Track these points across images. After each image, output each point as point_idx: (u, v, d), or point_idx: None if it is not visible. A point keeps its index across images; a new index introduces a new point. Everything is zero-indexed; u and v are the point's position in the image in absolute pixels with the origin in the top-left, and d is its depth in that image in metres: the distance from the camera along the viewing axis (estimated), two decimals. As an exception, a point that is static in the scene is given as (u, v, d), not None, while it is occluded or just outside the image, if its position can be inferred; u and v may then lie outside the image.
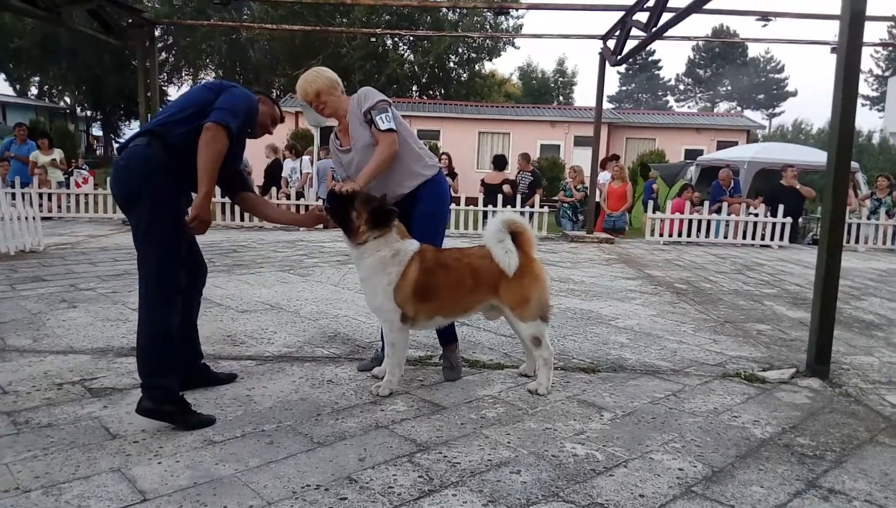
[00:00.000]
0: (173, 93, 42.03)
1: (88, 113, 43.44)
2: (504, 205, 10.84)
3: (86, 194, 11.80)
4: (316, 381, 3.49)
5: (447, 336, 3.63)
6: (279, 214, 3.87)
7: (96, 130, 46.85)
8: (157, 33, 11.95)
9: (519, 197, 11.17)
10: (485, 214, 11.29)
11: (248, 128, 3.06)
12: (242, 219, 11.32)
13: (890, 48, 48.35)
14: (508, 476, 2.50)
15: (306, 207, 11.42)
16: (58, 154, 12.44)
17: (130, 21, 10.68)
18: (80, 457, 2.54)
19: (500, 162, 11.90)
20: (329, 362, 3.85)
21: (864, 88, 52.16)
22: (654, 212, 11.38)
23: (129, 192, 2.89)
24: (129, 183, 2.88)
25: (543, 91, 44.12)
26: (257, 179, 13.29)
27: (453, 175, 12.61)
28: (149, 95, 10.85)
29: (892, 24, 45.93)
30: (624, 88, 62.93)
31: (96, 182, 13.20)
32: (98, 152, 44.30)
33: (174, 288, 2.94)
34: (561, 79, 45.79)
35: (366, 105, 3.32)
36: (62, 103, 41.39)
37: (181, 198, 2.97)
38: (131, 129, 44.81)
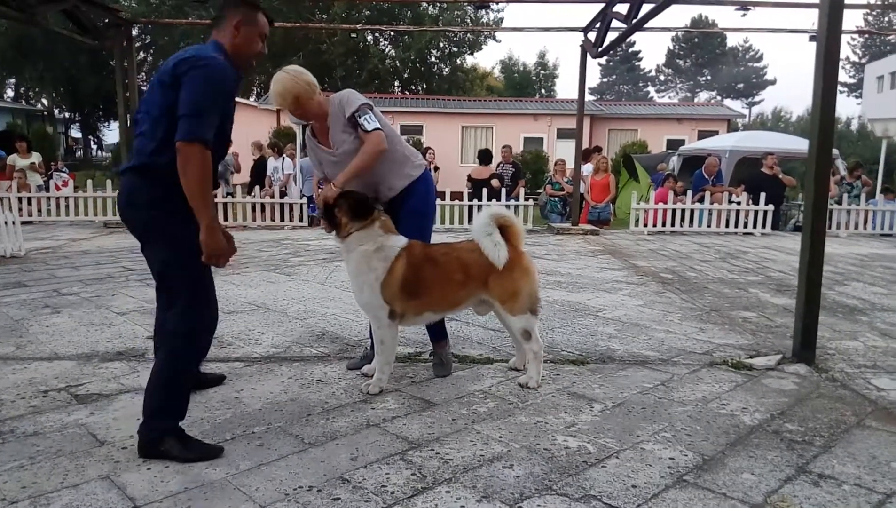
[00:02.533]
0: (152, 93, 41.65)
1: (67, 115, 42.88)
2: (489, 199, 10.85)
3: (66, 198, 11.65)
4: (305, 381, 3.47)
5: (437, 333, 3.62)
6: None
7: (75, 132, 46.28)
8: (134, 32, 11.81)
9: (504, 190, 11.20)
10: (470, 208, 11.29)
11: (227, 106, 2.61)
12: (226, 218, 11.23)
13: (866, 35, 48.87)
14: (501, 471, 2.50)
15: (290, 205, 11.36)
16: (36, 157, 12.28)
17: (107, 21, 10.53)
18: (68, 465, 2.50)
19: (485, 156, 11.91)
20: (318, 361, 3.83)
21: (842, 75, 52.63)
22: (637, 202, 11.43)
23: (138, 233, 2.65)
24: (136, 225, 2.63)
25: (525, 84, 44.16)
26: (244, 176, 13.21)
27: (434, 168, 12.61)
28: (127, 95, 10.71)
29: (868, 11, 46.45)
30: (605, 79, 63.11)
31: (76, 185, 13.04)
32: (78, 154, 43.78)
33: (203, 324, 2.70)
34: (542, 72, 45.85)
35: (349, 110, 3.27)
36: (39, 106, 40.80)
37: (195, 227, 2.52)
38: (111, 130, 44.32)
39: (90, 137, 46.24)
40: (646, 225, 11.28)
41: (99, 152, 46.11)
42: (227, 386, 3.36)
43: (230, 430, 2.83)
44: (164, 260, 2.60)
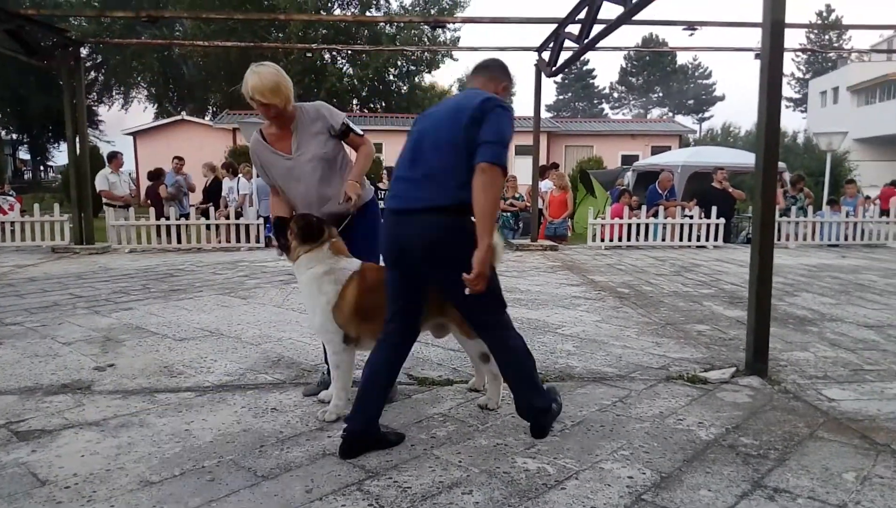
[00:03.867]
0: (103, 113, 40.83)
1: (14, 136, 41.63)
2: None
3: (12, 222, 11.25)
4: (259, 410, 3.38)
5: None
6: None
7: (23, 154, 44.97)
8: (84, 52, 11.54)
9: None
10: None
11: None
12: (179, 241, 10.99)
13: (809, 53, 50.76)
14: (461, 498, 2.46)
15: (246, 226, 11.17)
16: (-22, 181, 11.86)
17: (54, 41, 10.28)
18: (5, 509, 2.38)
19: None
20: (273, 388, 3.74)
21: (787, 90, 54.63)
22: (594, 218, 11.59)
23: (447, 265, 2.74)
24: (448, 260, 2.72)
25: (483, 102, 44.55)
26: (198, 197, 12.97)
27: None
28: (76, 115, 10.45)
29: (810, 29, 48.31)
30: (561, 97, 64.17)
31: (23, 208, 12.62)
32: (26, 176, 42.49)
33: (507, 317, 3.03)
34: (500, 89, 46.38)
35: (339, 118, 3.40)
36: (-16, 127, 39.59)
37: None
38: (60, 151, 43.09)
39: (39, 158, 44.96)
40: (603, 240, 11.43)
41: (48, 174, 44.87)
42: (176, 418, 3.25)
43: (179, 465, 2.72)
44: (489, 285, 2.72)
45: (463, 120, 2.69)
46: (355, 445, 2.82)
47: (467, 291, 2.66)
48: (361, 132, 3.50)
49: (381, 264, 3.45)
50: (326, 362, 3.51)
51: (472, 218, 2.68)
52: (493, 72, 3.06)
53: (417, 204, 2.76)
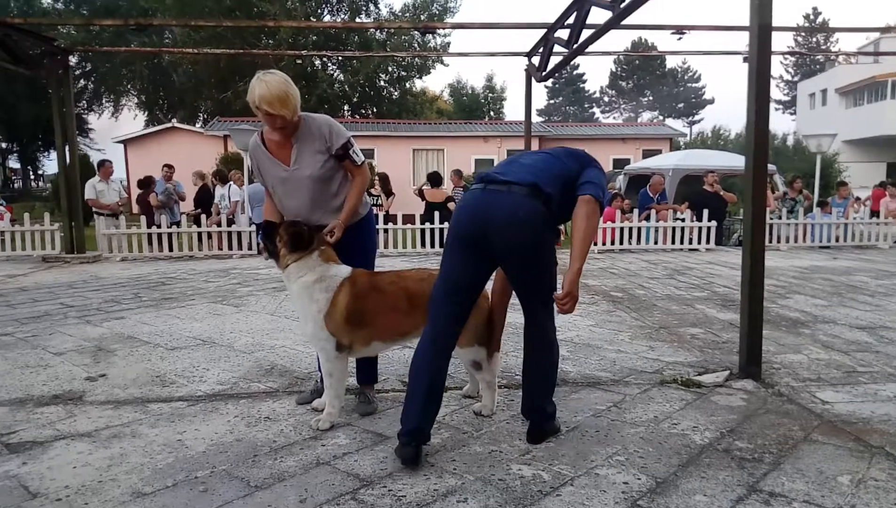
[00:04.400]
0: (93, 121, 40.66)
1: (3, 145, 41.38)
2: (442, 222, 10.85)
3: (2, 232, 11.18)
4: (252, 419, 3.36)
5: (368, 377, 3.59)
6: None
7: (13, 162, 44.70)
8: (73, 60, 11.49)
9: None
10: (422, 232, 11.28)
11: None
12: (171, 249, 10.94)
13: (797, 56, 51.16)
14: (455, 506, 2.45)
15: (238, 233, 11.13)
16: (-33, 190, 11.78)
17: (42, 49, 10.22)
18: (-6, 523, 2.35)
19: (435, 179, 11.96)
20: (266, 397, 3.71)
21: (777, 93, 55.07)
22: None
23: (524, 249, 2.89)
24: (525, 241, 2.87)
25: (474, 107, 44.61)
26: (189, 205, 12.92)
27: (389, 194, 12.56)
28: (65, 124, 10.40)
29: (797, 32, 48.68)
30: (552, 101, 64.38)
31: (14, 217, 12.54)
32: (16, 186, 42.24)
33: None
34: (491, 95, 46.39)
35: (340, 140, 3.26)
36: (-26, 137, 39.36)
37: None
38: (51, 160, 42.88)
39: (29, 167, 44.72)
40: (595, 244, 11.45)
41: (39, 183, 44.63)
42: (168, 428, 3.22)
43: (171, 476, 2.70)
44: (551, 276, 3.00)
45: (576, 158, 3.02)
46: (421, 448, 2.82)
47: (557, 307, 2.90)
48: (360, 161, 3.36)
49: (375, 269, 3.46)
50: (320, 370, 3.49)
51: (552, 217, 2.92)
52: None
53: (518, 178, 2.87)
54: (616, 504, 2.45)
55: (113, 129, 50.25)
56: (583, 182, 2.89)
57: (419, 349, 2.93)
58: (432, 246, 11.12)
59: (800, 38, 50.91)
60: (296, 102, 3.16)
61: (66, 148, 10.66)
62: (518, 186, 2.84)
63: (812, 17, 51.97)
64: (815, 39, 50.90)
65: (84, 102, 37.71)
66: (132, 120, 39.28)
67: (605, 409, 3.48)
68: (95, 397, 3.71)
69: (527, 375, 3.13)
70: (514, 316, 5.79)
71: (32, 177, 45.75)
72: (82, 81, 36.00)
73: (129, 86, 35.84)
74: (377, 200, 11.92)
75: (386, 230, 11.17)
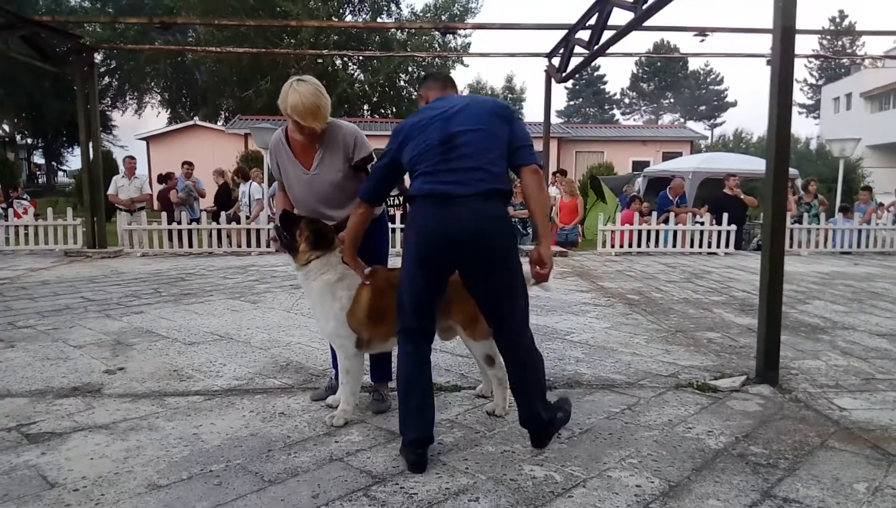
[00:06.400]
0: (117, 118, 41.18)
1: (29, 141, 42.06)
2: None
3: (26, 226, 11.37)
4: (267, 414, 3.39)
5: (383, 374, 3.59)
6: None
7: (38, 158, 45.39)
8: (98, 58, 11.67)
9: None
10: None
11: None
12: (191, 246, 11.06)
13: (822, 59, 50.47)
14: (467, 505, 2.45)
15: (257, 231, 11.22)
16: (-9, 185, 12.02)
17: (68, 47, 10.39)
18: (14, 511, 2.39)
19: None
20: (281, 393, 3.75)
21: (800, 96, 54.35)
22: (604, 224, 11.56)
23: (498, 258, 2.79)
24: (499, 250, 2.78)
25: (494, 107, 44.57)
26: (209, 202, 13.06)
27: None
28: (89, 120, 10.55)
29: (822, 35, 48.05)
30: (572, 102, 64.05)
31: (37, 212, 12.74)
32: (40, 181, 42.88)
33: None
34: (510, 95, 46.34)
35: (361, 154, 3.28)
36: (0, 131, 39.98)
37: None
38: (75, 155, 43.52)
39: (54, 162, 45.40)
40: (613, 246, 11.40)
41: (63, 178, 45.28)
42: (184, 422, 3.26)
43: (187, 469, 2.73)
44: (520, 282, 2.86)
45: (502, 119, 2.82)
46: (426, 452, 2.81)
47: (531, 284, 2.82)
48: None
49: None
50: (334, 366, 3.52)
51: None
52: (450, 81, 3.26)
53: (470, 189, 2.69)
54: (628, 507, 2.45)
55: (136, 126, 50.92)
56: (517, 147, 2.80)
57: (402, 365, 2.89)
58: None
59: (825, 42, 50.23)
60: (326, 112, 3.15)
61: (90, 144, 10.83)
62: (475, 197, 2.69)
63: (838, 20, 51.26)
64: (840, 43, 50.19)
65: (108, 98, 38.20)
66: (155, 117, 39.68)
67: (618, 412, 3.46)
68: (113, 390, 3.77)
69: (518, 390, 2.92)
70: (530, 317, 5.79)
71: (56, 172, 46.43)
72: (107, 78, 36.44)
73: (152, 83, 36.26)
74: (394, 199, 11.94)
75: (402, 229, 11.18)
